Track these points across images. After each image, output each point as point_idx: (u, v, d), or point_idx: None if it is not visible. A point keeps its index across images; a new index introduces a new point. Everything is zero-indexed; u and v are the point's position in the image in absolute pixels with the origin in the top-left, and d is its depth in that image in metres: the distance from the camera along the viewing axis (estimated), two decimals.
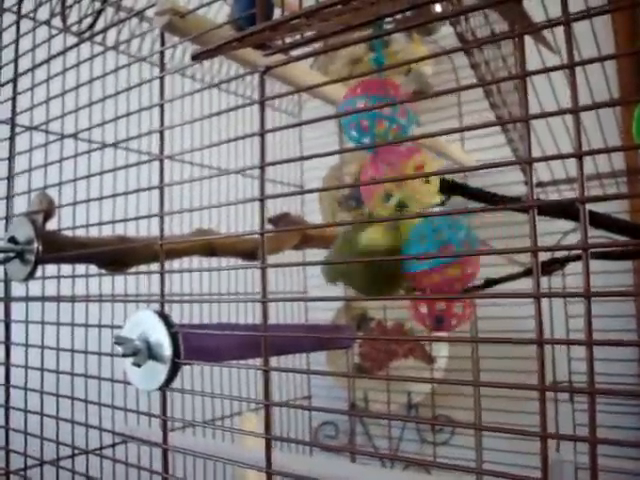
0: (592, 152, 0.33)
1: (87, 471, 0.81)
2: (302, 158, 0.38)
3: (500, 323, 0.95)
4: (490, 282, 0.60)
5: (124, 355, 0.50)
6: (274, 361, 0.75)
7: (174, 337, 0.49)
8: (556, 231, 0.94)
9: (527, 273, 0.63)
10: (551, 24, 0.33)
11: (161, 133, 0.52)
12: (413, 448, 1.44)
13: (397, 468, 1.35)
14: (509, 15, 0.78)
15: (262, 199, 0.44)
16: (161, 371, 0.50)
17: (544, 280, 0.87)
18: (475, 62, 0.81)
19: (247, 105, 0.43)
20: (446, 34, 0.94)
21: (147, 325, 0.51)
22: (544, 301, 1.08)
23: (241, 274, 1.15)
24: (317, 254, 1.09)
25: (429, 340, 1.34)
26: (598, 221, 0.67)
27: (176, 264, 0.83)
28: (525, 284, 0.84)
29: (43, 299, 0.73)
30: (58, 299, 0.74)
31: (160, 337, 0.50)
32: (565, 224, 0.99)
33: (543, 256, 0.83)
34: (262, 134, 0.45)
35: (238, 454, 0.47)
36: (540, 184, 0.92)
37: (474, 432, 1.14)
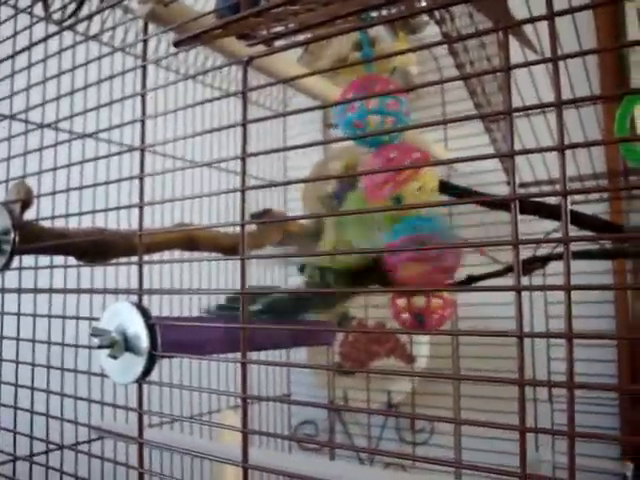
0: (574, 146, 0.33)
1: (61, 467, 0.80)
2: (285, 149, 0.37)
3: (480, 323, 0.95)
4: (472, 279, 0.60)
5: (100, 347, 0.49)
6: (253, 356, 0.75)
7: (151, 329, 0.49)
8: (539, 232, 0.95)
9: (508, 270, 0.63)
10: (536, 18, 0.33)
11: (142, 123, 0.51)
12: (392, 448, 1.44)
13: (377, 467, 1.35)
14: (493, 14, 0.78)
15: (243, 190, 0.44)
16: (138, 363, 0.49)
17: (525, 280, 0.88)
18: (460, 62, 0.81)
19: (230, 95, 0.42)
20: (431, 34, 0.94)
21: (124, 317, 0.50)
22: (525, 303, 1.08)
23: (222, 270, 1.14)
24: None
25: (412, 333, 1.34)
26: (579, 220, 0.68)
27: (157, 258, 0.82)
28: (506, 284, 0.85)
29: (19, 291, 0.72)
30: (35, 290, 0.72)
31: (137, 329, 0.49)
32: (547, 225, 1.00)
33: (524, 255, 0.83)
34: (244, 124, 0.44)
35: (214, 449, 0.47)
36: (523, 185, 0.92)
37: (453, 432, 1.14)
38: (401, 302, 0.59)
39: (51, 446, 0.80)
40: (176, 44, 0.43)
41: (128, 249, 0.73)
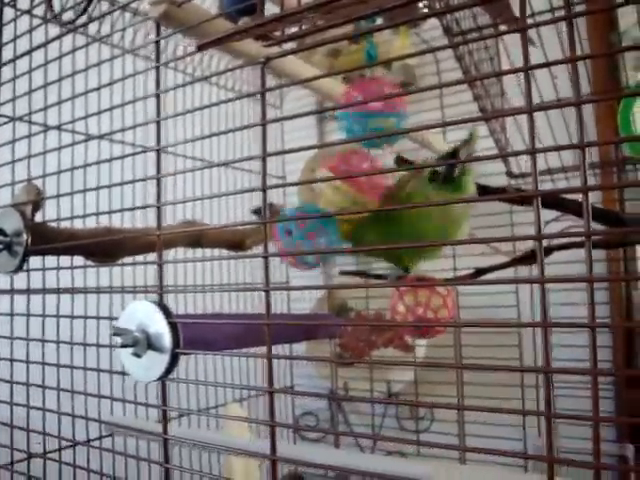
0: (594, 144, 0.34)
1: (74, 463, 0.81)
2: (310, 147, 0.38)
3: (481, 312, 0.97)
4: (480, 271, 0.62)
5: (123, 346, 0.50)
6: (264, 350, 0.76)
7: (173, 327, 0.50)
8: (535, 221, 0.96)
9: (514, 262, 0.65)
10: (558, 18, 0.34)
11: (158, 123, 0.51)
12: (393, 436, 1.46)
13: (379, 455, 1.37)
14: (494, 10, 0.79)
15: (264, 189, 0.45)
16: (161, 361, 0.50)
17: (525, 270, 0.89)
18: (460, 53, 0.82)
19: (249, 95, 0.43)
20: (430, 26, 0.95)
21: (145, 316, 0.51)
22: (526, 290, 1.11)
23: (224, 264, 1.15)
24: None
25: (429, 326, 1.35)
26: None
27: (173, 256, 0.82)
28: (506, 274, 0.86)
29: (44, 291, 0.72)
30: (58, 291, 0.73)
31: (159, 327, 0.50)
32: (546, 214, 1.01)
33: (524, 246, 0.84)
34: (264, 124, 0.45)
35: (239, 443, 0.48)
36: (522, 175, 0.94)
37: (454, 419, 1.16)
38: (401, 308, 0.60)
39: (64, 443, 0.81)
40: (200, 47, 0.44)
41: (136, 248, 0.74)
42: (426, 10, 0.56)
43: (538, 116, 1.03)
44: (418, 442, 0.41)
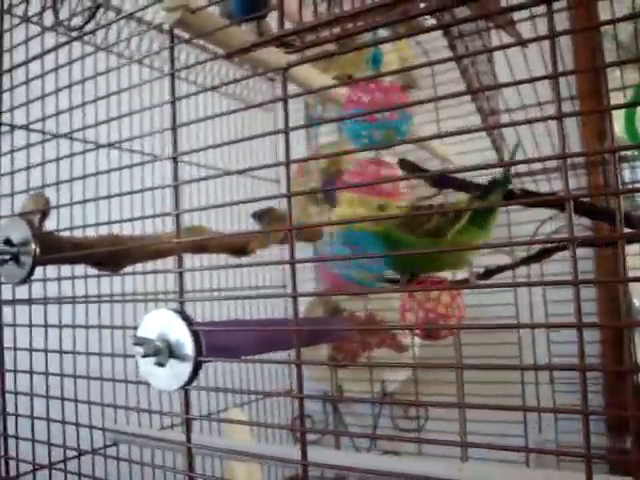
0: (625, 148, 0.35)
1: (79, 472, 0.80)
2: (335, 154, 0.38)
3: (480, 310, 0.98)
4: (490, 272, 0.63)
5: (145, 355, 0.49)
6: (267, 354, 0.76)
7: (195, 335, 0.50)
8: (534, 219, 0.98)
9: (523, 262, 0.66)
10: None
11: (174, 131, 0.51)
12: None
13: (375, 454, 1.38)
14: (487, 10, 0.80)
15: (289, 196, 0.45)
16: (184, 370, 0.50)
17: (524, 268, 0.90)
18: (468, 78, 0.83)
19: (271, 102, 0.43)
20: (433, 36, 0.95)
21: (165, 324, 0.51)
22: (524, 288, 1.11)
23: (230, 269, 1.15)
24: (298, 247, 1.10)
25: (432, 327, 1.36)
26: (583, 209, 0.70)
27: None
28: (506, 273, 0.87)
29: (59, 300, 0.72)
30: (74, 300, 0.72)
31: (181, 336, 0.50)
32: (543, 213, 1.03)
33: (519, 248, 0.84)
34: (287, 132, 0.45)
35: (265, 450, 0.48)
36: (518, 175, 0.95)
37: (453, 414, 1.16)
38: (411, 317, 0.61)
39: (70, 453, 0.80)
40: (228, 55, 0.44)
41: (143, 256, 0.74)
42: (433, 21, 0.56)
43: (519, 114, 1.04)
44: (419, 440, 0.42)
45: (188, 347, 0.49)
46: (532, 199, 0.55)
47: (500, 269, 0.64)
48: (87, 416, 0.80)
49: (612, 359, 1.21)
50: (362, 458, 0.74)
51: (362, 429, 1.50)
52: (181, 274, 0.51)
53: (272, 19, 0.56)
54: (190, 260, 0.90)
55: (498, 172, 1.04)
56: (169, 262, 0.83)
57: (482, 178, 0.75)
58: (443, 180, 0.66)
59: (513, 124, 0.42)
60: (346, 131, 0.59)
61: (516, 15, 0.84)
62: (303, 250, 1.52)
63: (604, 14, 1.31)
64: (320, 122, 1.47)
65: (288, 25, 0.45)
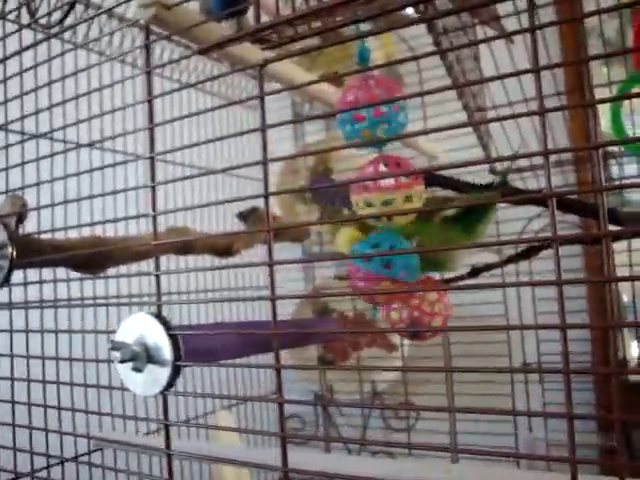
0: (609, 143, 0.34)
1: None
2: (319, 152, 0.37)
3: (468, 309, 0.97)
4: (477, 270, 0.62)
5: (122, 361, 0.48)
6: (252, 357, 0.75)
7: (174, 339, 0.48)
8: (522, 217, 0.97)
9: (510, 260, 0.65)
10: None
11: (151, 130, 0.50)
12: (379, 435, 1.46)
13: (365, 456, 1.37)
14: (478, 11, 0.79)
15: (266, 195, 0.44)
16: (162, 375, 0.48)
17: (513, 265, 0.90)
18: (455, 77, 0.82)
19: (249, 100, 0.42)
20: (418, 33, 0.94)
21: (143, 329, 0.50)
22: (512, 293, 1.09)
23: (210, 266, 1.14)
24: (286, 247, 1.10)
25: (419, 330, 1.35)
26: (567, 205, 0.69)
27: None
28: (494, 271, 0.86)
29: (41, 304, 0.70)
30: (55, 304, 0.71)
31: (159, 340, 0.49)
32: (530, 210, 1.02)
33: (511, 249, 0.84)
34: (263, 130, 0.44)
35: (246, 456, 0.47)
36: (505, 172, 0.95)
37: (448, 416, 1.16)
38: (395, 315, 0.60)
39: (52, 460, 0.79)
40: (201, 52, 0.42)
41: (125, 258, 0.72)
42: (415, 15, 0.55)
43: (505, 111, 1.03)
44: (409, 445, 0.41)
45: (166, 352, 0.48)
46: (516, 197, 0.54)
47: (487, 267, 0.63)
48: (71, 422, 0.79)
49: (601, 357, 1.21)
50: (349, 461, 0.73)
51: (352, 429, 1.49)
52: (158, 277, 0.49)
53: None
54: (175, 261, 0.90)
55: (486, 170, 1.04)
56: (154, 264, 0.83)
57: (470, 176, 0.73)
58: (432, 178, 0.65)
59: (497, 119, 0.42)
60: (344, 133, 0.57)
61: (501, 11, 0.84)
62: (291, 250, 1.51)
63: (589, 9, 1.31)
64: (294, 121, 1.45)
65: (266, 20, 0.44)
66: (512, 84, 0.83)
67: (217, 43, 0.40)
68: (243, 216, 0.93)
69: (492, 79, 0.38)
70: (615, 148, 0.89)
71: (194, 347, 0.52)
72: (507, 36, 0.39)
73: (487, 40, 0.42)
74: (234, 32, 0.40)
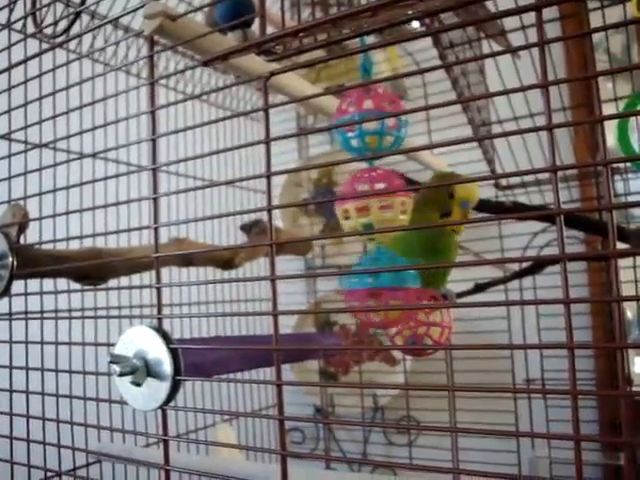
0: (616, 160, 0.34)
1: None
2: (324, 165, 0.37)
3: (472, 324, 0.96)
4: (480, 287, 0.61)
5: (121, 374, 0.48)
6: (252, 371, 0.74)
7: (174, 353, 0.48)
8: (526, 232, 0.97)
9: (515, 276, 0.64)
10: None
11: (153, 142, 0.50)
12: (380, 449, 1.45)
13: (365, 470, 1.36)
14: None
15: (269, 209, 0.43)
16: (161, 389, 0.48)
17: (516, 284, 0.89)
18: (460, 90, 0.82)
19: (253, 112, 0.41)
20: (424, 47, 0.95)
21: (143, 342, 0.49)
22: (517, 313, 1.08)
23: (211, 278, 1.13)
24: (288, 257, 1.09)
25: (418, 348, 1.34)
26: (574, 222, 0.69)
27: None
28: (498, 288, 0.85)
29: (42, 315, 0.70)
30: (56, 315, 0.70)
31: (159, 354, 0.48)
32: (535, 225, 1.01)
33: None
34: (267, 142, 0.44)
35: (246, 471, 0.46)
36: (510, 187, 0.94)
37: (450, 433, 1.14)
38: (393, 331, 0.59)
39: (49, 474, 0.78)
40: (205, 63, 0.42)
41: (125, 269, 0.72)
42: (421, 28, 0.55)
43: (511, 126, 1.03)
44: (411, 467, 0.40)
45: (166, 366, 0.47)
46: (523, 213, 0.53)
47: (492, 283, 0.62)
48: (69, 433, 0.78)
49: (605, 374, 1.19)
50: (349, 478, 0.72)
51: (353, 443, 1.48)
52: (159, 290, 0.49)
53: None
54: (177, 273, 0.89)
55: (490, 185, 1.04)
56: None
57: None
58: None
59: (503, 135, 0.41)
60: (338, 142, 0.57)
61: (507, 26, 0.84)
62: (294, 261, 1.51)
63: (596, 25, 1.31)
64: (299, 134, 1.46)
65: (272, 32, 0.44)
66: (518, 98, 0.83)
67: (222, 54, 0.40)
68: (246, 228, 0.93)
69: (499, 93, 0.37)
70: (621, 164, 0.89)
71: (194, 361, 0.51)
72: (514, 51, 0.38)
73: (493, 55, 0.42)
74: (239, 43, 0.40)
